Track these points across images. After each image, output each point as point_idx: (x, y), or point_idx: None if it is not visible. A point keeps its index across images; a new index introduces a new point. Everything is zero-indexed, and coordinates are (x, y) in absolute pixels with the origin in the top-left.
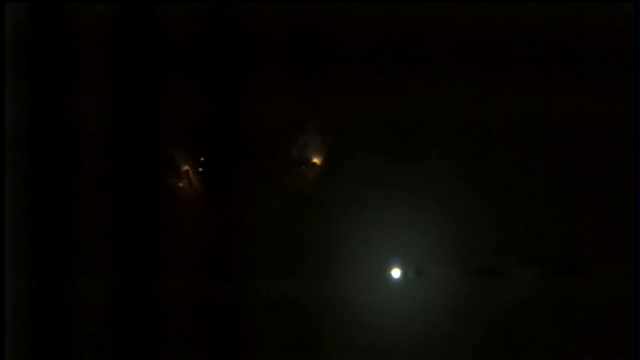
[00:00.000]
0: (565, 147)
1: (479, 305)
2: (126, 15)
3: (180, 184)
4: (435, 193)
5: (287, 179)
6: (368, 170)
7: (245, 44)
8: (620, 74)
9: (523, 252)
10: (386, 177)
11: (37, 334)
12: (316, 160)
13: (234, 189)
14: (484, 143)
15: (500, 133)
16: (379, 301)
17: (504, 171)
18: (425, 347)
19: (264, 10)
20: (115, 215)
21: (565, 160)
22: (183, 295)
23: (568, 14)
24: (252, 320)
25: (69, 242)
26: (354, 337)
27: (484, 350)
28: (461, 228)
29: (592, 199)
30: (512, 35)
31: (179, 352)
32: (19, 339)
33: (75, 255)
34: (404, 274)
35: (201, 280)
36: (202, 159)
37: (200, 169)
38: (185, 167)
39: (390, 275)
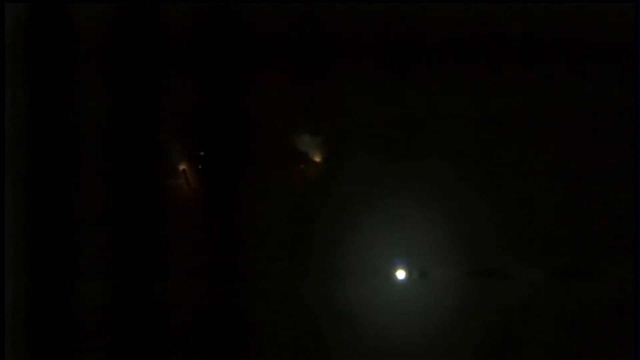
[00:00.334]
0: (567, 148)
1: (484, 306)
2: (125, 14)
3: (178, 184)
4: (439, 194)
5: (287, 179)
6: (370, 170)
7: (245, 42)
8: (621, 74)
9: (528, 253)
10: (389, 177)
11: (36, 334)
12: (317, 159)
13: (233, 189)
14: (487, 143)
15: (502, 133)
16: (383, 302)
17: (508, 172)
18: (429, 347)
19: (264, 9)
20: (110, 215)
21: (568, 160)
22: (183, 298)
23: (568, 14)
24: (254, 321)
25: (63, 243)
26: (358, 338)
27: (488, 351)
28: (466, 229)
29: (597, 199)
30: (512, 35)
31: (180, 353)
32: (19, 340)
33: (71, 256)
34: (408, 275)
35: (201, 282)
36: (201, 153)
37: (198, 168)
38: (183, 167)
39: (394, 276)
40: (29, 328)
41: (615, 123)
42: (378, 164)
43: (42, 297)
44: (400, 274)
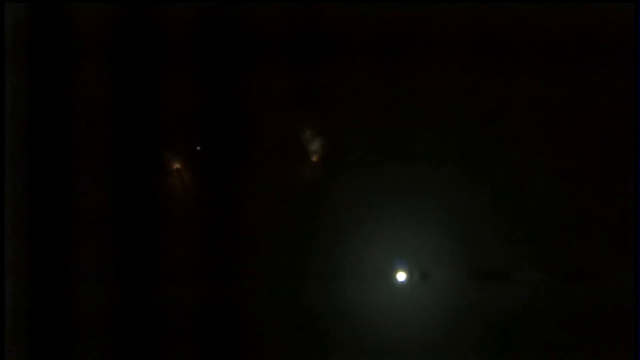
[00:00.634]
0: (568, 148)
1: (485, 308)
2: (124, 13)
3: (173, 183)
4: (440, 195)
5: (287, 179)
6: (372, 170)
7: (245, 40)
8: (620, 74)
9: (529, 255)
10: (390, 178)
11: (35, 335)
12: (318, 159)
13: (232, 189)
14: (489, 144)
15: (504, 134)
16: (384, 304)
17: (510, 173)
18: (430, 349)
19: (264, 9)
20: (109, 215)
21: (569, 161)
22: (182, 299)
23: (568, 14)
24: (255, 323)
25: (57, 243)
26: (359, 338)
27: (489, 353)
28: (466, 231)
29: (599, 201)
30: (512, 36)
31: (179, 354)
32: (18, 341)
33: (68, 257)
34: (409, 276)
35: (200, 282)
36: (198, 148)
37: (196, 168)
38: (180, 166)
39: (395, 278)
40: (28, 328)
41: (615, 123)
42: (380, 164)
43: (41, 297)
44: (402, 276)
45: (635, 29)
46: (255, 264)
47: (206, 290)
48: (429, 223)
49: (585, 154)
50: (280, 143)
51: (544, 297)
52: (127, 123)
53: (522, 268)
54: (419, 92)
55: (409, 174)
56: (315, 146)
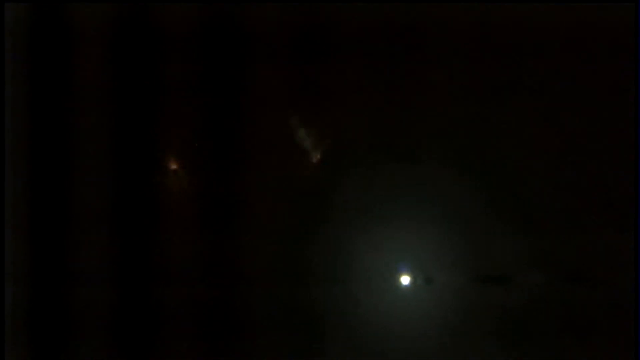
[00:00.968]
0: (569, 150)
1: (489, 311)
2: (124, 13)
3: (169, 184)
4: (445, 198)
5: (289, 181)
6: (376, 173)
7: (244, 41)
8: (620, 74)
9: (533, 259)
10: (394, 181)
11: (35, 335)
12: (320, 162)
13: (230, 190)
14: (491, 148)
15: (506, 137)
16: (388, 307)
17: (514, 177)
18: (434, 352)
19: (264, 8)
20: (104, 215)
21: (570, 163)
22: (182, 304)
23: (568, 14)
24: (256, 326)
25: (58, 243)
26: (362, 343)
27: (493, 356)
28: (471, 234)
29: (603, 204)
30: (511, 35)
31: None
32: (18, 342)
33: (67, 258)
34: (413, 280)
35: (200, 287)
36: (196, 144)
37: (195, 169)
38: (177, 167)
39: (399, 281)
40: (28, 328)
41: (615, 123)
42: (383, 166)
43: (41, 297)
44: (405, 279)
45: (635, 29)
46: (256, 267)
47: (207, 292)
48: (433, 226)
49: (586, 155)
50: (282, 144)
51: (549, 300)
52: (127, 123)
53: (526, 272)
54: (424, 95)
55: (413, 177)
56: (316, 147)
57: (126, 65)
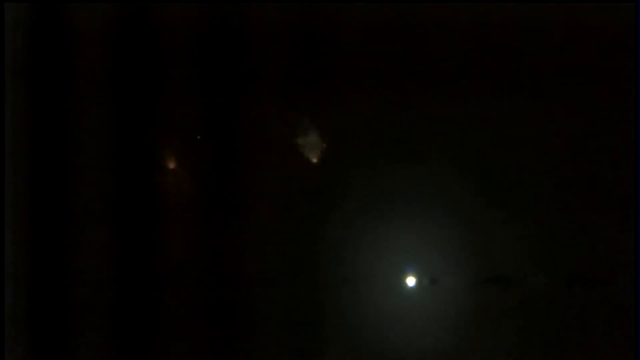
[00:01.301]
0: (570, 151)
1: (494, 312)
2: (125, 14)
3: (167, 184)
4: (450, 199)
5: (291, 182)
6: (380, 175)
7: (244, 44)
8: (620, 74)
9: (537, 261)
10: (399, 182)
11: (35, 336)
12: (322, 163)
13: (231, 191)
14: (495, 150)
15: (508, 139)
16: (393, 308)
17: (517, 179)
18: (439, 353)
19: (264, 9)
20: (103, 216)
21: (572, 165)
22: (183, 307)
23: (567, 14)
24: (259, 327)
25: (57, 243)
26: (366, 343)
27: (498, 357)
28: (476, 236)
29: (608, 205)
30: (511, 35)
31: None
32: (18, 342)
33: (67, 258)
34: (418, 281)
35: (202, 289)
36: (198, 137)
37: (196, 170)
38: (172, 166)
39: (405, 283)
40: (28, 328)
41: (615, 124)
42: (388, 168)
43: (41, 299)
44: (411, 281)
45: (635, 29)
46: (259, 268)
47: (208, 295)
48: (438, 227)
49: (586, 155)
50: (283, 144)
51: (553, 302)
52: (127, 122)
53: (531, 273)
54: (428, 96)
55: (418, 178)
56: (319, 147)
57: (126, 64)
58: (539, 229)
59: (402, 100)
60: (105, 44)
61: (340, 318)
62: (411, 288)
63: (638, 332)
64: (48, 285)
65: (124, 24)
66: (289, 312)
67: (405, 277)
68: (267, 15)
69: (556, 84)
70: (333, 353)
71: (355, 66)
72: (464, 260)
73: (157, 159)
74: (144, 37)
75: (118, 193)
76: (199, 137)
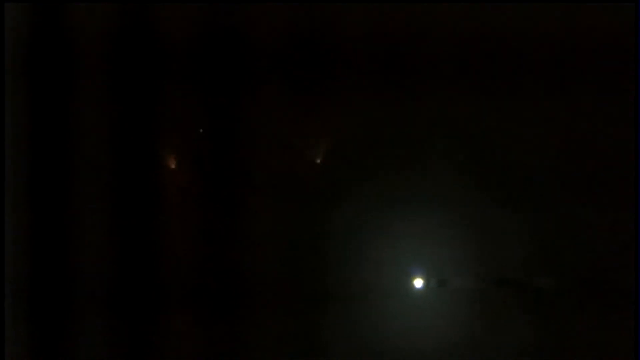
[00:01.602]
0: (573, 152)
1: (503, 314)
2: (125, 14)
3: (167, 184)
4: (455, 201)
5: (293, 183)
6: (388, 176)
7: (244, 45)
8: (620, 74)
9: (545, 262)
10: (405, 183)
11: (35, 336)
12: (327, 165)
13: (231, 192)
14: (503, 151)
15: (515, 141)
16: (401, 310)
17: (524, 179)
18: (447, 355)
19: (264, 10)
20: (102, 216)
21: (577, 167)
22: (186, 324)
23: (567, 14)
24: (261, 328)
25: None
26: (372, 344)
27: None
28: (484, 237)
29: (609, 205)
30: (511, 35)
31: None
32: (18, 342)
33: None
34: (426, 283)
35: (202, 290)
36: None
37: (189, 169)
38: (172, 166)
39: (412, 285)
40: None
41: (615, 124)
42: (393, 169)
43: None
44: (419, 282)
45: (635, 29)
46: (261, 269)
47: (208, 295)
48: (446, 229)
49: (588, 156)
50: (285, 144)
51: (560, 304)
52: (127, 122)
53: (540, 275)
54: (432, 98)
55: (425, 179)
56: (323, 150)
57: (126, 64)
58: (546, 229)
59: (404, 100)
60: (105, 43)
61: (347, 319)
62: (419, 289)
63: (638, 332)
64: (48, 285)
65: (124, 24)
66: (291, 313)
67: (413, 279)
68: (266, 15)
69: (556, 84)
70: (340, 354)
71: (355, 66)
72: (472, 262)
73: (157, 159)
74: (144, 37)
75: (118, 193)
76: (200, 131)
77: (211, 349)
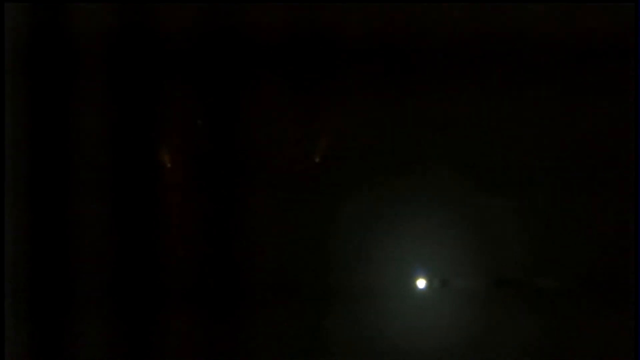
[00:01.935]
0: (574, 153)
1: (505, 315)
2: (125, 14)
3: (166, 184)
4: (457, 201)
5: (295, 183)
6: (390, 177)
7: (243, 45)
8: (620, 74)
9: (547, 263)
10: (406, 184)
11: (35, 336)
12: (329, 166)
13: (232, 193)
14: (503, 151)
15: (516, 141)
16: (403, 310)
17: (526, 180)
18: (449, 355)
19: (264, 10)
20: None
21: (578, 167)
22: (187, 328)
23: (567, 14)
24: (263, 329)
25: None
26: (376, 346)
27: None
28: (486, 238)
29: (614, 207)
30: (510, 35)
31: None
32: (18, 342)
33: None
34: (429, 284)
35: (202, 291)
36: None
37: (187, 168)
38: (172, 165)
39: (415, 285)
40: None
41: (615, 124)
42: (394, 170)
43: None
44: (421, 283)
45: (635, 29)
46: (265, 272)
47: (208, 296)
48: (448, 229)
49: (588, 156)
50: (287, 146)
51: (561, 304)
52: (128, 122)
53: (541, 276)
54: (432, 98)
55: (427, 179)
56: (325, 150)
57: (126, 64)
58: (548, 230)
59: (406, 100)
60: (105, 43)
61: (349, 320)
62: (422, 290)
63: (638, 332)
64: (48, 285)
65: (124, 24)
66: (292, 313)
67: (415, 279)
68: (267, 15)
69: (556, 84)
70: (341, 354)
71: (356, 66)
72: (474, 262)
73: (158, 158)
74: (144, 37)
75: (119, 192)
76: (199, 122)
77: (211, 349)
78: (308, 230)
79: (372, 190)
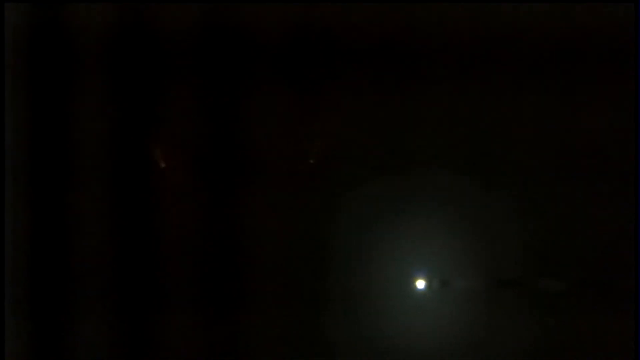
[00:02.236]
0: (574, 153)
1: (505, 316)
2: (124, 14)
3: (166, 185)
4: (457, 202)
5: (294, 185)
6: (390, 177)
7: (244, 44)
8: (620, 74)
9: (548, 264)
10: (406, 185)
11: (35, 336)
12: (328, 167)
13: (231, 195)
14: (504, 152)
15: (516, 141)
16: (403, 310)
17: (527, 182)
18: (449, 356)
19: (264, 10)
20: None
21: (579, 168)
22: (184, 330)
23: (567, 14)
24: (264, 330)
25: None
26: (375, 347)
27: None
28: (486, 238)
29: (614, 207)
30: (510, 35)
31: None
32: (18, 342)
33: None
34: (428, 284)
35: (202, 292)
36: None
37: (198, 181)
38: (172, 165)
39: (414, 286)
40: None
41: (615, 124)
42: (394, 171)
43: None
44: (421, 283)
45: (635, 29)
46: (265, 272)
47: (209, 296)
48: (448, 230)
49: (588, 156)
50: (287, 150)
51: (561, 304)
52: (127, 123)
53: (542, 277)
54: (432, 98)
55: (427, 180)
56: (325, 150)
57: (127, 63)
58: (548, 230)
59: (410, 101)
60: (105, 43)
61: (349, 320)
62: (422, 290)
63: (638, 332)
64: (48, 285)
65: (124, 23)
66: (292, 313)
67: (415, 280)
68: (267, 15)
69: (556, 84)
70: (341, 355)
71: (356, 66)
72: (474, 263)
73: (157, 158)
74: (144, 36)
75: (119, 191)
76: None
77: (211, 349)
78: (308, 230)
79: (372, 191)
